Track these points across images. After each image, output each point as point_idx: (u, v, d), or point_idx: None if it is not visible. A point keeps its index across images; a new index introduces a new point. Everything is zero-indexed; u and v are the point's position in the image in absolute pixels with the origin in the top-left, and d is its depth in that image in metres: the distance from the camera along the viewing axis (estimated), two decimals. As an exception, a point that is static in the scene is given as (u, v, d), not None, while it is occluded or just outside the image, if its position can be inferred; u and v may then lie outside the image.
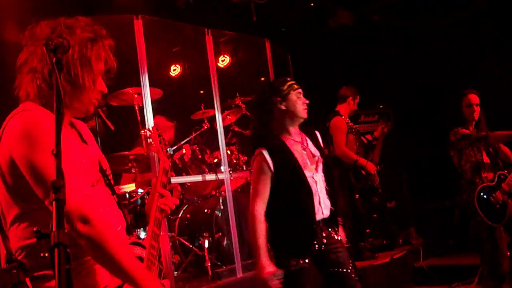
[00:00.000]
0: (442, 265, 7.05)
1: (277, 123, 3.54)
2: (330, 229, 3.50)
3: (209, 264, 5.35)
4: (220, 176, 5.84)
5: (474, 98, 5.27)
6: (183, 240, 5.73)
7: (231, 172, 5.91)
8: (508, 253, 5.22)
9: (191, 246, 5.67)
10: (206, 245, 5.44)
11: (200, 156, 6.31)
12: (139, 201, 5.37)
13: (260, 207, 3.40)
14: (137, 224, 5.07)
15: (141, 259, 2.18)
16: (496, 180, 5.15)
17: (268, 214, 3.51)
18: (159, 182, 2.54)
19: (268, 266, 3.28)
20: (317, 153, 3.56)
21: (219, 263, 5.69)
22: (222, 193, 5.92)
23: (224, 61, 8.07)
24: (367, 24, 8.53)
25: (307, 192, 3.41)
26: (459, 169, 5.28)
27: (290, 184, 3.43)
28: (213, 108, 6.01)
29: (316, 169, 3.49)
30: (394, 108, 7.69)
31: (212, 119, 6.23)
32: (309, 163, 3.47)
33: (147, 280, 2.00)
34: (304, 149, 3.52)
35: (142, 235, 4.89)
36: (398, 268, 6.66)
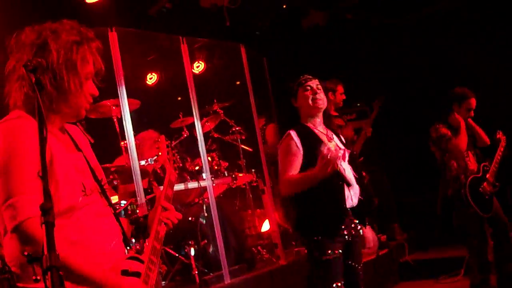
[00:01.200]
0: (427, 259, 7.12)
1: (300, 119, 3.67)
2: (358, 222, 3.53)
3: (196, 272, 5.32)
4: (203, 183, 5.81)
5: (474, 103, 5.33)
6: (168, 250, 5.69)
7: (213, 178, 5.90)
8: (491, 243, 5.30)
9: (177, 255, 5.64)
10: (192, 253, 5.41)
11: (181, 165, 6.27)
12: (122, 212, 5.32)
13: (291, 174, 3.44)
14: (138, 236, 5.01)
15: (138, 274, 2.14)
16: (481, 171, 5.23)
17: (297, 199, 3.50)
18: (164, 195, 2.48)
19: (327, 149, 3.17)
20: (342, 146, 3.63)
21: (206, 270, 5.66)
22: (205, 200, 5.88)
23: (199, 67, 8.06)
24: (341, 22, 8.58)
25: (338, 176, 3.41)
26: (441, 165, 5.32)
27: None
28: (192, 115, 5.98)
29: (343, 159, 3.51)
30: (373, 104, 7.72)
31: (191, 127, 6.21)
32: None
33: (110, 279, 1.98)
34: (329, 140, 3.58)
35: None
36: (384, 264, 6.71)
